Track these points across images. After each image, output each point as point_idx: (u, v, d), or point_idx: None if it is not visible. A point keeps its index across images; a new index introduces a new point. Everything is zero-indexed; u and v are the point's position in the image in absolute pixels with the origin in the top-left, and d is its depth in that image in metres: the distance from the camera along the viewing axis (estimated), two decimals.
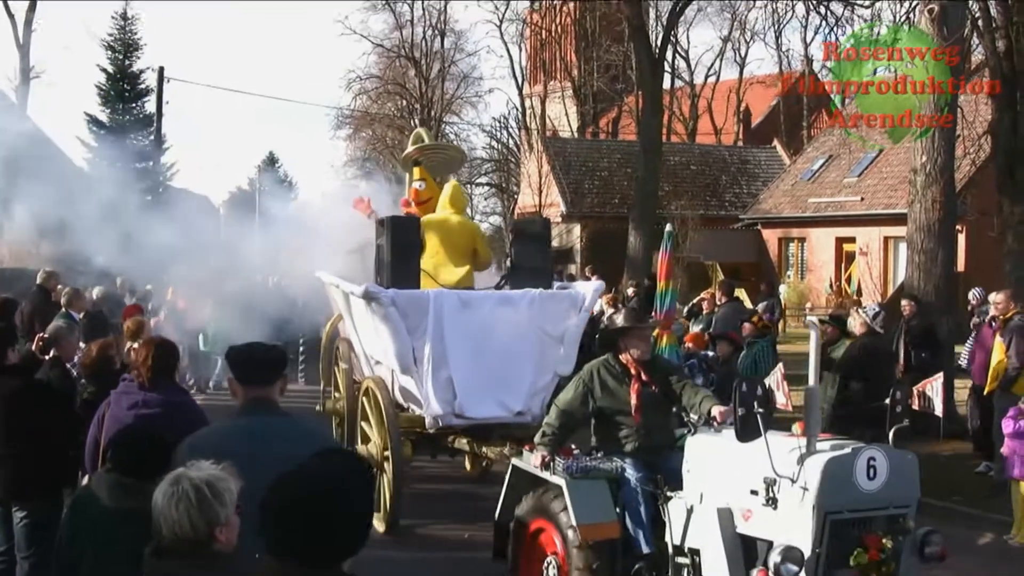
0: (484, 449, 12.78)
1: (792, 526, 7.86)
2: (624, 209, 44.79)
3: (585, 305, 13.16)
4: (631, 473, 9.19)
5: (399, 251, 12.97)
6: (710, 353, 17.01)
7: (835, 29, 33.33)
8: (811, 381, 8.24)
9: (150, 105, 52.01)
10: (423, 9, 72.93)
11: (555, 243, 49.18)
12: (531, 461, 9.60)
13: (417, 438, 13.36)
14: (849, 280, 46.28)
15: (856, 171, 45.72)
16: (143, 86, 54.49)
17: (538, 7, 74.56)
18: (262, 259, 19.26)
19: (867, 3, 31.42)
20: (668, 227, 15.75)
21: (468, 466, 16.36)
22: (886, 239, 43.26)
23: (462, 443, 13.21)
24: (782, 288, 43.51)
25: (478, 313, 12.73)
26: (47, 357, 10.26)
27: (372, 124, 78.49)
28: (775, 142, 62.31)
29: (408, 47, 73.08)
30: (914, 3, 25.74)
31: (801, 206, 48.32)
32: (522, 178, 63.16)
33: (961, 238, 33.09)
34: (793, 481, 7.83)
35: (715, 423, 8.95)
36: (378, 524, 12.67)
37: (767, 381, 10.17)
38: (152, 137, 49.62)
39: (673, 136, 67.40)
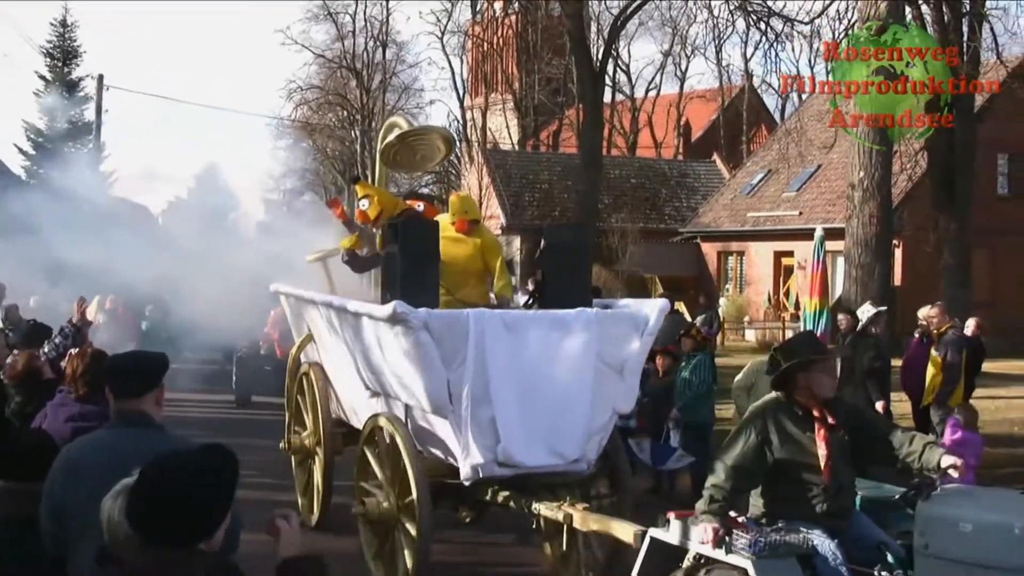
0: (536, 506, 10.16)
1: None
2: (564, 222, 44.91)
3: (649, 328, 10.67)
4: (826, 546, 7.21)
5: (415, 262, 10.70)
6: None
7: (775, 45, 33.72)
8: None
9: (89, 113, 51.61)
10: (365, 20, 72.88)
11: None
12: (695, 535, 7.48)
13: (436, 489, 10.77)
14: (787, 294, 46.58)
15: (795, 186, 46.11)
16: (82, 94, 53.98)
17: (480, 20, 74.65)
18: (204, 268, 18.81)
19: (806, 20, 31.77)
20: (819, 231, 14.03)
21: (463, 514, 13.06)
22: (824, 253, 43.53)
23: (501, 496, 10.66)
24: (721, 301, 43.83)
25: (526, 338, 10.36)
26: None
27: (313, 135, 78.27)
28: (715, 156, 62.65)
29: (350, 58, 72.91)
30: (853, 21, 26.04)
31: (740, 220, 48.62)
32: (462, 190, 63.14)
33: (898, 253, 33.51)
34: None
35: (952, 474, 7.22)
36: None
37: None
38: (91, 145, 49.19)
39: (613, 149, 67.75)
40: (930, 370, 15.94)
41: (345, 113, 75.55)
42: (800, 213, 45.16)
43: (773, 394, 7.76)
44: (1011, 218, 40.32)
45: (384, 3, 73.43)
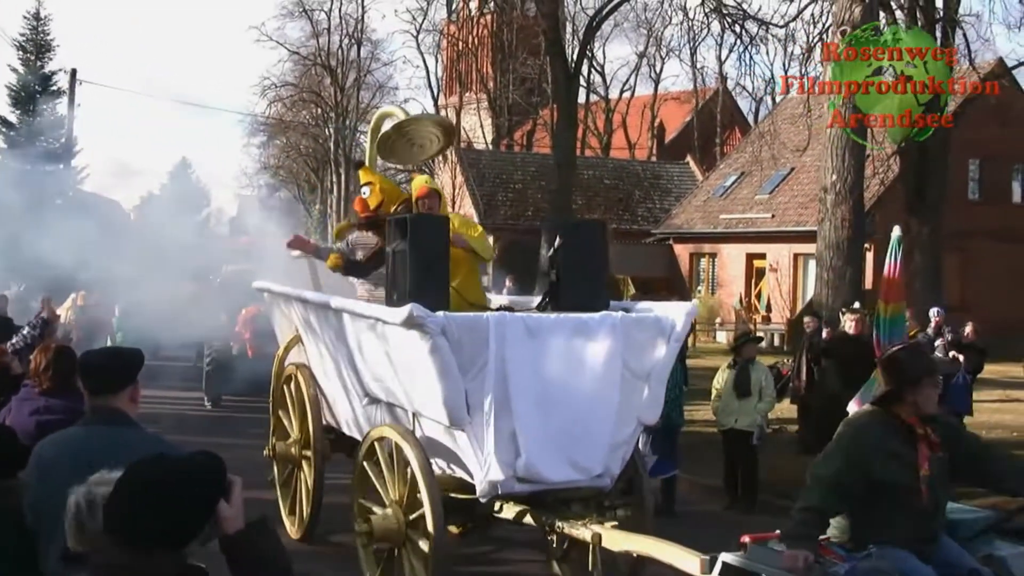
0: (559, 524, 9.28)
1: None
2: (537, 222, 44.96)
3: (676, 333, 9.96)
4: (921, 574, 6.66)
5: (425, 261, 9.77)
6: None
7: (749, 48, 33.77)
8: None
9: (62, 107, 51.41)
10: (340, 18, 72.86)
11: None
12: (779, 562, 6.64)
13: (445, 505, 9.69)
14: (759, 296, 46.71)
15: (767, 188, 46.23)
16: (55, 88, 53.72)
17: (455, 19, 74.62)
18: (177, 265, 18.62)
19: (781, 23, 31.83)
20: (896, 231, 13.24)
21: (459, 528, 12.05)
22: (796, 256, 43.75)
23: (515, 512, 9.81)
24: (693, 302, 43.86)
25: (549, 344, 9.57)
26: None
27: (287, 132, 78.22)
28: (688, 158, 62.78)
29: (324, 55, 72.88)
30: (827, 25, 26.10)
31: (713, 222, 48.72)
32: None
33: (869, 256, 33.59)
34: None
35: None
36: None
37: None
38: (63, 140, 49.00)
39: (587, 150, 67.75)
40: None
41: (319, 110, 75.64)
42: (772, 216, 45.29)
43: (868, 408, 7.18)
44: (982, 222, 40.63)
45: (359, 1, 73.39)
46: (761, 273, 46.70)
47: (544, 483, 9.29)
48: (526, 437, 9.17)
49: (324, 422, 12.49)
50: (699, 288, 49.77)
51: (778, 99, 56.15)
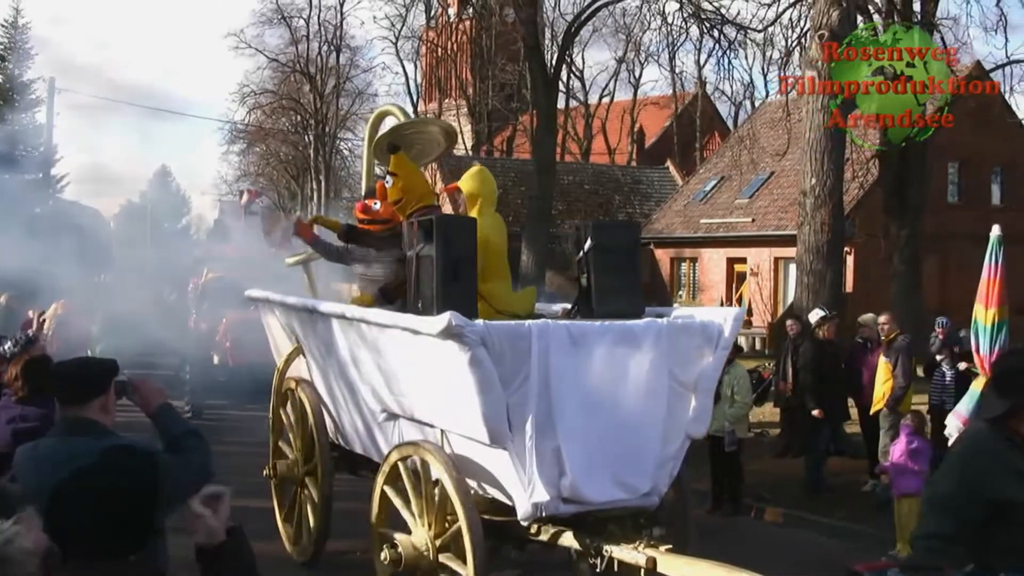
0: (608, 547, 8.47)
1: None
2: (518, 227, 44.87)
3: (724, 340, 9.34)
4: None
5: (453, 266, 9.06)
6: None
7: (728, 52, 33.84)
8: None
9: (41, 116, 51.29)
10: (319, 24, 72.75)
11: None
12: None
13: None
14: (740, 300, 46.73)
15: (747, 193, 46.29)
16: (34, 96, 53.58)
17: (434, 25, 74.59)
18: (157, 272, 18.47)
19: (759, 28, 31.88)
20: (996, 231, 12.12)
21: None
22: (776, 260, 43.79)
23: (551, 534, 8.92)
24: (675, 307, 43.84)
25: (593, 354, 8.86)
26: None
27: (266, 139, 78.06)
28: (668, 163, 62.82)
29: (303, 62, 72.77)
30: (805, 29, 26.15)
31: (693, 226, 48.74)
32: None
33: (849, 259, 33.69)
34: None
35: None
36: None
37: None
38: (42, 148, 48.87)
39: (567, 155, 67.70)
40: (881, 376, 16.01)
41: (299, 118, 75.45)
42: (753, 220, 45.35)
43: (983, 424, 6.42)
44: (961, 225, 40.71)
45: (338, 7, 73.36)
46: (742, 277, 46.73)
47: (591, 503, 8.68)
48: (571, 454, 8.54)
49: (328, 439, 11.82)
50: (680, 292, 49.81)
51: (757, 103, 56.29)
